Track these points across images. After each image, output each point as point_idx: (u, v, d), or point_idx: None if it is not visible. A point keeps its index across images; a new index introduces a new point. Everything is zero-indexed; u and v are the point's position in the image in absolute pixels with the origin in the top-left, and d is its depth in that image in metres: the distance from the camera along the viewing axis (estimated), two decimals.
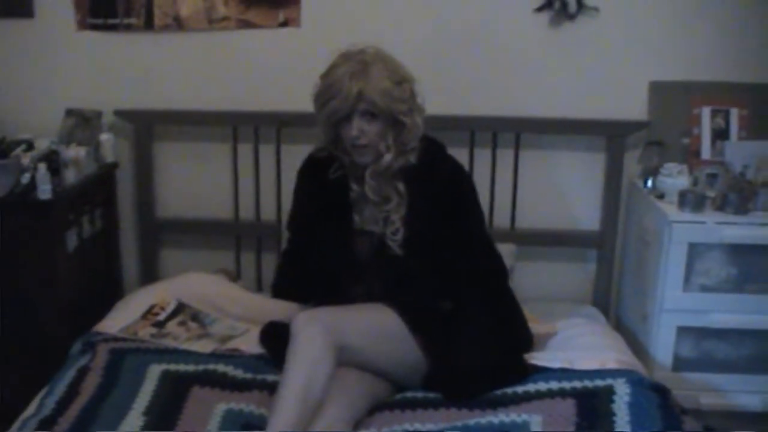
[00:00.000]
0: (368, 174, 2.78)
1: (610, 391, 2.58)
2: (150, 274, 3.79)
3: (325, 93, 2.73)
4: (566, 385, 2.65)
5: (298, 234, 3.06)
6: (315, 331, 2.46)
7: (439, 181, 2.83)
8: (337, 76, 2.69)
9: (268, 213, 3.75)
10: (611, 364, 2.75)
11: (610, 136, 3.60)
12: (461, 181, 2.92)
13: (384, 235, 2.82)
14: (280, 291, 3.16)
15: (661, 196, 3.37)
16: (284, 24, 3.59)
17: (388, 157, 2.75)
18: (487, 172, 3.64)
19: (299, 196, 3.07)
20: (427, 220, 2.80)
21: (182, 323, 3.10)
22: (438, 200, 2.81)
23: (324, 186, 2.91)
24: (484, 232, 2.99)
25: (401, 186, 2.80)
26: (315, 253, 2.93)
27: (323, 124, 2.79)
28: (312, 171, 2.99)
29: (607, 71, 3.59)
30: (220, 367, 2.78)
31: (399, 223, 2.80)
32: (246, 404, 2.60)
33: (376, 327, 2.65)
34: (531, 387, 2.66)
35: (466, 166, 3.51)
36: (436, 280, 2.79)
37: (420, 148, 2.81)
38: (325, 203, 2.91)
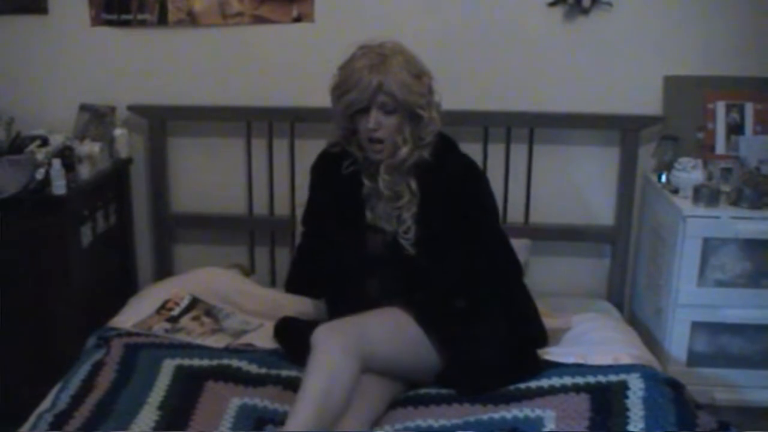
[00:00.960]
0: (383, 168, 2.77)
1: (624, 386, 2.57)
2: (164, 269, 3.80)
3: (343, 84, 2.72)
4: (580, 380, 2.64)
5: (312, 229, 3.05)
6: (334, 342, 2.44)
7: (452, 179, 2.81)
8: (357, 67, 2.68)
9: (282, 208, 3.75)
10: (625, 359, 2.74)
11: (625, 130, 3.59)
12: (475, 178, 2.91)
13: (396, 233, 2.81)
14: (293, 286, 3.15)
15: (675, 191, 3.36)
16: (298, 19, 3.59)
17: (404, 151, 2.74)
18: (501, 168, 3.64)
19: (313, 191, 3.06)
20: (440, 218, 2.78)
21: (196, 318, 3.11)
22: (451, 198, 2.79)
23: (337, 181, 2.90)
24: (498, 229, 2.97)
25: (413, 183, 2.79)
26: (328, 249, 2.93)
27: (339, 116, 2.78)
28: (325, 166, 2.98)
29: (622, 66, 3.58)
30: (234, 362, 2.78)
31: (410, 221, 2.80)
32: (260, 399, 2.60)
33: (395, 333, 2.62)
34: (544, 382, 2.65)
35: (480, 162, 3.52)
36: (449, 278, 2.78)
37: (433, 145, 2.81)
38: (338, 199, 2.90)
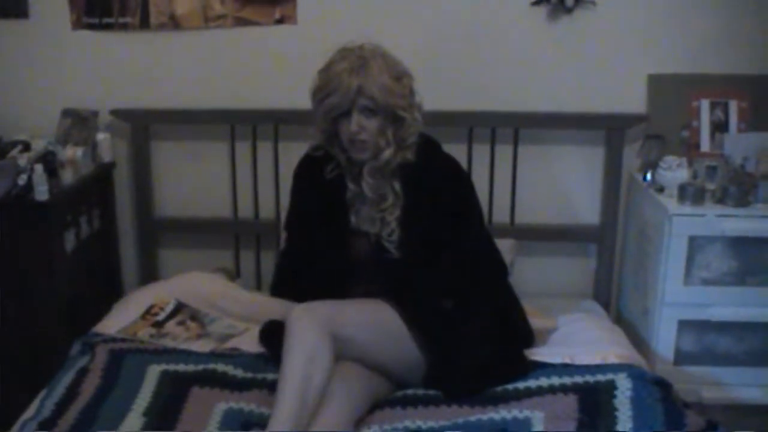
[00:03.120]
0: (366, 171, 2.77)
1: (611, 386, 2.57)
2: (149, 274, 3.78)
3: (323, 88, 2.71)
4: (567, 380, 2.64)
5: (296, 234, 3.04)
6: (309, 322, 2.47)
7: (436, 180, 2.81)
8: (336, 71, 2.67)
9: (267, 211, 3.74)
10: (612, 359, 2.75)
11: (609, 129, 3.59)
12: (459, 179, 2.91)
13: (380, 236, 2.81)
14: (278, 291, 3.14)
15: (660, 190, 3.36)
16: (280, 21, 3.57)
17: (387, 153, 2.73)
18: (486, 168, 3.63)
19: (296, 196, 3.05)
20: (423, 221, 2.78)
21: (181, 323, 3.09)
22: (435, 200, 2.79)
23: (320, 185, 2.89)
24: (482, 230, 2.96)
25: (398, 185, 2.79)
26: (312, 253, 2.91)
27: (321, 120, 2.77)
28: (308, 170, 2.97)
29: (605, 64, 3.58)
30: (220, 367, 2.77)
31: (394, 224, 2.79)
32: (246, 403, 2.59)
33: (373, 320, 2.65)
34: (532, 383, 2.65)
35: (465, 162, 3.52)
36: (435, 280, 2.77)
37: (416, 146, 2.80)
38: (322, 203, 2.89)
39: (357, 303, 2.70)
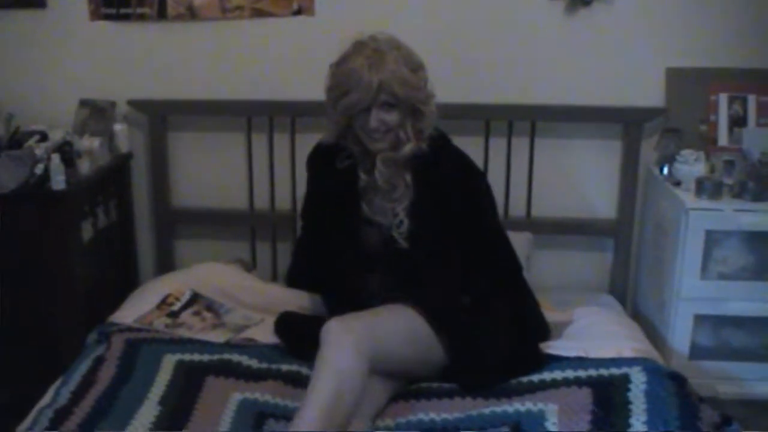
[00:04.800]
0: (380, 160, 2.75)
1: (626, 380, 2.56)
2: (165, 265, 3.79)
3: (341, 85, 2.68)
4: (582, 373, 2.63)
5: (311, 223, 3.04)
6: (346, 340, 2.37)
7: (447, 175, 2.79)
8: (353, 67, 2.64)
9: (283, 202, 3.74)
10: (627, 353, 2.73)
11: (627, 123, 3.58)
12: (470, 176, 2.89)
13: (390, 227, 2.80)
14: (293, 280, 3.16)
15: (677, 184, 3.34)
16: (298, 12, 3.57)
17: (408, 147, 2.72)
18: (502, 161, 3.62)
19: (310, 184, 3.05)
20: (433, 213, 2.76)
21: (197, 313, 3.10)
22: (445, 194, 2.78)
23: (333, 174, 2.88)
24: (497, 226, 2.95)
25: (409, 176, 2.77)
26: (326, 243, 2.90)
27: (338, 116, 2.75)
28: (320, 159, 2.96)
29: (624, 58, 3.56)
30: (235, 357, 2.78)
31: (403, 214, 2.78)
32: (261, 394, 2.60)
33: (406, 334, 2.58)
34: (546, 376, 2.65)
35: (481, 155, 3.52)
36: (446, 273, 2.76)
37: (429, 138, 2.78)
38: (334, 192, 2.88)
39: (388, 315, 2.61)
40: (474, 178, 2.89)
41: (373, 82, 2.61)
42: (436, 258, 2.76)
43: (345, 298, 2.72)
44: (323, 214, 2.92)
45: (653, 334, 3.35)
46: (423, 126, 2.75)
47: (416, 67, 2.72)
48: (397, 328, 2.58)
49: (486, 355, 2.68)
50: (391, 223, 2.80)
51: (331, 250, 2.88)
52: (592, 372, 2.63)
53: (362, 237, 2.84)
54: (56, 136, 3.36)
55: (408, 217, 2.78)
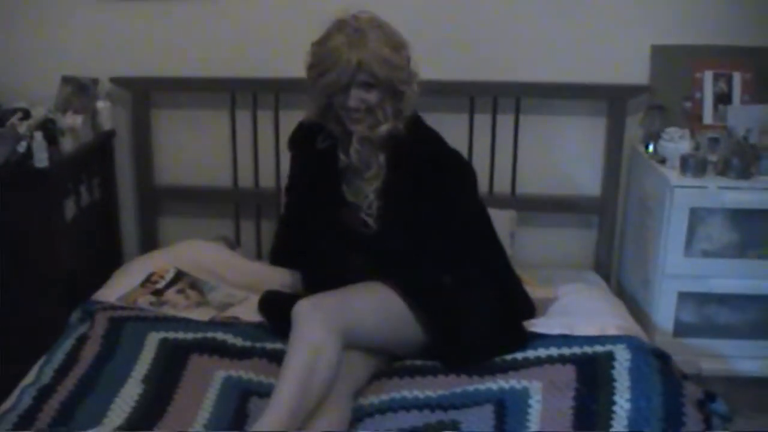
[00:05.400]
0: (356, 138, 2.73)
1: (610, 357, 2.56)
2: (149, 242, 3.78)
3: (321, 63, 2.66)
4: (566, 351, 2.63)
5: (294, 200, 3.04)
6: (317, 318, 2.40)
7: (420, 157, 2.76)
8: (334, 45, 2.62)
9: (267, 180, 3.73)
10: (611, 330, 2.73)
11: (611, 100, 3.58)
12: (445, 158, 2.83)
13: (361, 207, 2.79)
14: (277, 257, 3.15)
15: (662, 161, 3.35)
16: None
17: (385, 127, 2.70)
18: (487, 138, 3.62)
19: (293, 163, 3.04)
20: (404, 195, 2.74)
21: (181, 291, 3.09)
22: (417, 175, 2.74)
23: (314, 155, 2.87)
24: (474, 207, 2.91)
25: (383, 157, 2.75)
26: (307, 222, 2.90)
27: (317, 94, 2.74)
28: (301, 140, 2.95)
29: (608, 35, 3.56)
30: (219, 335, 2.77)
31: (372, 196, 2.77)
32: (245, 372, 2.60)
33: (378, 309, 2.59)
34: (530, 353, 2.65)
35: (466, 132, 3.53)
36: (421, 253, 2.73)
37: (406, 119, 2.76)
38: (316, 172, 2.87)
39: (360, 291, 2.63)
40: (448, 160, 2.84)
41: (352, 60, 2.59)
42: (408, 239, 2.73)
43: (327, 278, 2.71)
44: (304, 194, 2.91)
45: (637, 311, 3.36)
46: (403, 107, 2.72)
47: (398, 46, 2.68)
48: (371, 305, 2.59)
49: (467, 332, 2.67)
50: (362, 204, 2.79)
51: (312, 231, 2.88)
52: (576, 349, 2.63)
53: (342, 218, 2.82)
54: (39, 113, 3.34)
55: (378, 198, 2.77)
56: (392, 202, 2.76)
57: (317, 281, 2.74)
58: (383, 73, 2.62)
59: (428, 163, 2.76)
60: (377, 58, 2.61)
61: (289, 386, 2.28)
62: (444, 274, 2.73)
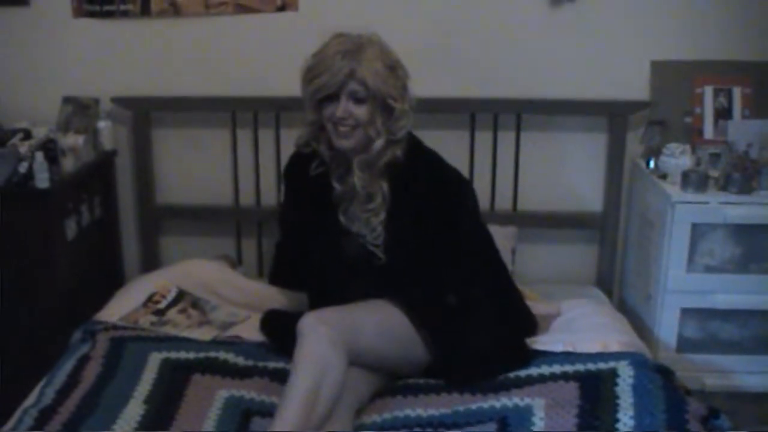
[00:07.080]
0: (356, 164, 2.71)
1: (613, 374, 2.56)
2: (150, 262, 3.78)
3: (314, 69, 2.66)
4: (569, 368, 2.63)
5: (288, 232, 3.05)
6: (322, 334, 2.38)
7: (421, 184, 2.75)
8: (330, 53, 2.63)
9: (269, 198, 3.73)
10: (614, 347, 2.74)
11: (612, 116, 3.58)
12: (446, 180, 2.83)
13: (368, 238, 2.77)
14: (276, 281, 3.15)
15: (663, 177, 3.35)
16: (282, 8, 3.56)
17: (378, 143, 2.68)
18: (488, 155, 3.62)
19: (287, 194, 3.05)
20: (409, 224, 2.73)
21: (183, 311, 3.09)
22: (420, 203, 2.74)
23: (309, 184, 2.86)
24: (478, 229, 2.90)
25: (386, 185, 2.73)
26: (306, 251, 2.89)
27: (308, 103, 2.73)
28: (297, 168, 2.94)
29: (609, 51, 3.56)
30: (221, 355, 2.77)
31: (380, 228, 2.75)
32: (247, 391, 2.59)
33: (383, 325, 2.58)
34: (533, 371, 2.64)
35: (467, 149, 3.53)
36: (427, 277, 2.72)
37: (404, 143, 2.75)
38: (311, 201, 2.86)
39: (365, 308, 2.62)
40: (450, 184, 2.84)
41: (345, 68, 2.59)
42: (415, 267, 2.73)
43: (329, 302, 2.68)
44: (303, 224, 2.91)
45: (640, 326, 3.34)
46: (394, 126, 2.70)
47: (394, 66, 2.68)
48: (375, 321, 2.58)
49: (470, 350, 2.66)
50: (368, 235, 2.77)
51: (312, 260, 2.87)
52: (580, 366, 2.63)
53: (342, 247, 2.80)
54: (40, 133, 3.34)
55: (385, 229, 2.74)
56: (399, 233, 2.74)
57: (321, 305, 2.72)
58: (374, 85, 2.61)
59: (430, 189, 2.76)
60: (370, 70, 2.60)
61: (293, 406, 2.27)
62: (448, 294, 2.72)
